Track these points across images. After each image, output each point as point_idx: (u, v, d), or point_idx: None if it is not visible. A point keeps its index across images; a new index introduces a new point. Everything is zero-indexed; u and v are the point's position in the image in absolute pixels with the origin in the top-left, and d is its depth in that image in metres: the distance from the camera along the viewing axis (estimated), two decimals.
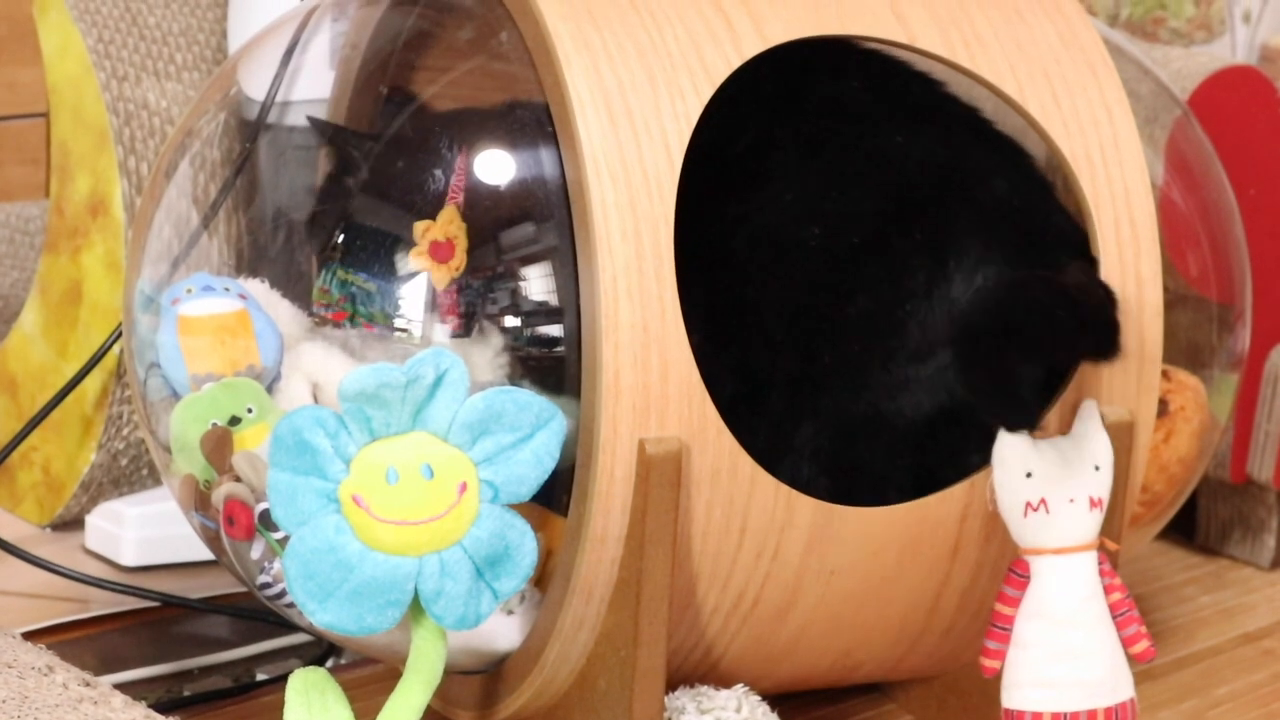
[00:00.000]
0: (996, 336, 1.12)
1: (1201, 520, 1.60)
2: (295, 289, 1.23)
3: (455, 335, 1.15)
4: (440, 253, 1.15)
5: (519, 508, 1.09)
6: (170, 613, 1.40)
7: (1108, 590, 1.15)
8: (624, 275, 1.08)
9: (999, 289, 1.15)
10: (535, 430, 1.08)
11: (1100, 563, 1.15)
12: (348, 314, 1.18)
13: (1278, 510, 1.56)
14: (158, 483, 1.53)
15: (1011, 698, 1.15)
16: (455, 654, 1.13)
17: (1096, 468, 1.15)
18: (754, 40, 1.15)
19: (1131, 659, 1.16)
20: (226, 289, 1.21)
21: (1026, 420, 1.13)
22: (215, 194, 1.30)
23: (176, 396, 1.19)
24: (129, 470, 1.52)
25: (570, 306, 1.12)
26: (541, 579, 1.15)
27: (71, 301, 1.50)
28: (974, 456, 1.16)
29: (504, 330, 1.15)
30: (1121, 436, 1.16)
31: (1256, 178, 1.49)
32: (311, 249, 1.23)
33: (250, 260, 1.27)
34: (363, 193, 1.20)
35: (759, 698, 1.16)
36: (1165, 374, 1.30)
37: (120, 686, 1.18)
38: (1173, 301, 1.26)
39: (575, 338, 1.11)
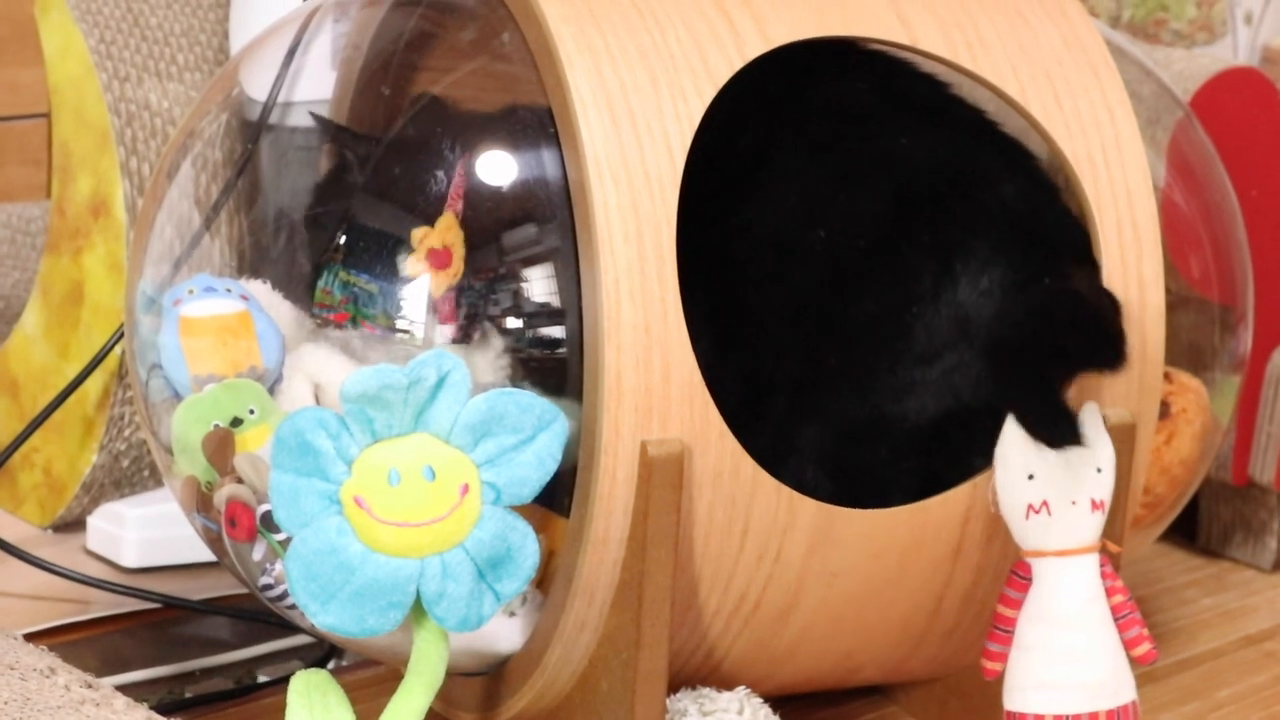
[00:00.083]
0: (1040, 357, 1.12)
1: (1203, 522, 1.60)
2: (297, 290, 1.23)
3: (454, 342, 1.15)
4: (437, 260, 1.15)
5: (521, 509, 1.09)
6: (172, 614, 1.40)
7: (1109, 592, 1.15)
8: (626, 277, 1.08)
9: (1029, 305, 1.15)
10: (537, 432, 1.08)
11: (1102, 565, 1.15)
12: (349, 315, 1.18)
13: (1279, 512, 1.56)
14: (159, 484, 1.53)
15: (1013, 700, 1.15)
16: (457, 656, 1.13)
17: (1098, 470, 1.15)
18: (756, 41, 1.14)
19: (1133, 661, 1.16)
20: (228, 290, 1.21)
21: (1075, 437, 1.12)
22: (217, 195, 1.30)
23: (178, 398, 1.19)
24: (130, 471, 1.52)
25: (572, 308, 1.12)
26: (543, 581, 1.15)
27: (73, 302, 1.50)
28: (976, 458, 1.16)
29: (506, 332, 1.15)
30: (1123, 438, 1.16)
31: (1258, 179, 1.49)
32: (313, 250, 1.23)
33: (252, 261, 1.27)
34: (364, 194, 1.20)
35: (761, 700, 1.16)
36: (1167, 376, 1.30)
37: (122, 688, 1.18)
38: (1174, 303, 1.26)
39: (577, 339, 1.11)
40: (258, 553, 1.16)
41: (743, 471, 1.11)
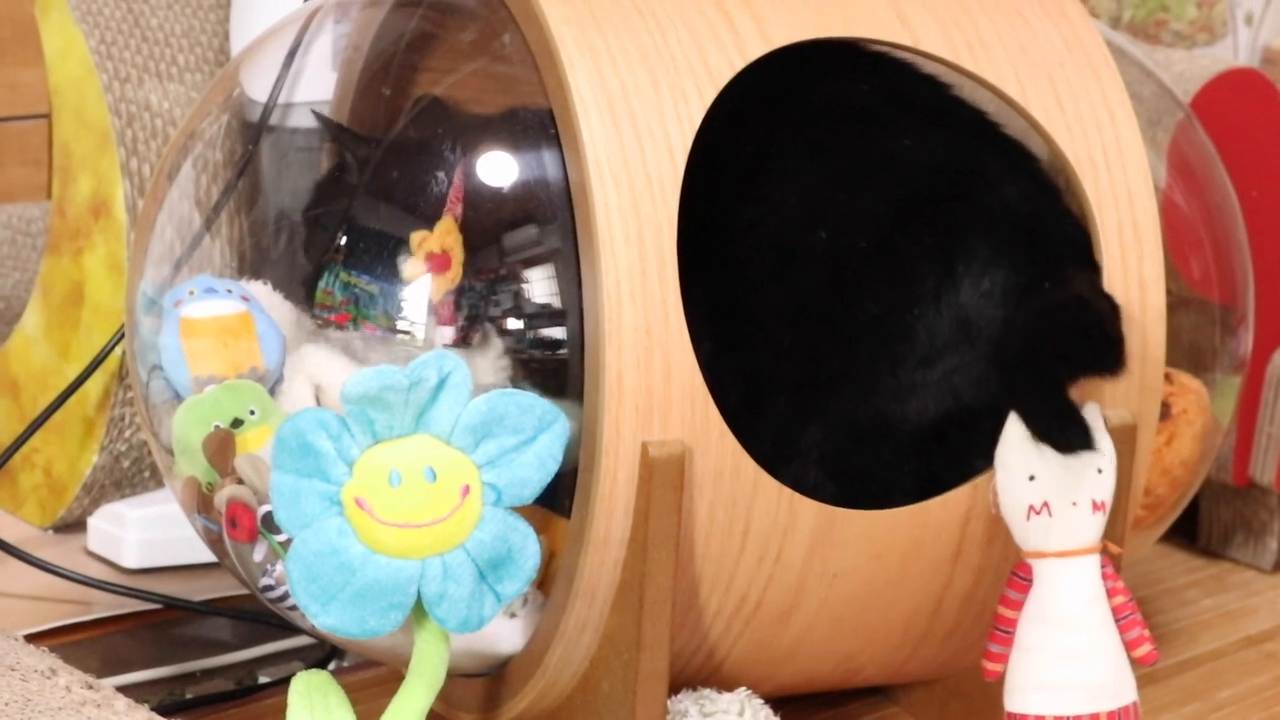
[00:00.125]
0: (1048, 365, 1.12)
1: (1204, 523, 1.60)
2: (298, 291, 1.23)
3: (455, 344, 1.14)
4: (435, 265, 1.15)
5: (522, 510, 1.09)
6: (173, 615, 1.40)
7: (1110, 593, 1.15)
8: (627, 278, 1.08)
9: (1034, 313, 1.15)
10: (538, 433, 1.08)
11: (1103, 566, 1.15)
12: (350, 316, 1.18)
13: (1279, 513, 1.56)
14: (160, 485, 1.53)
15: (1014, 701, 1.15)
16: (458, 657, 1.13)
17: (1099, 471, 1.15)
18: (757, 43, 1.14)
19: (1134, 662, 1.16)
20: (229, 291, 1.21)
21: (1089, 442, 1.12)
22: (218, 196, 1.30)
23: (179, 399, 1.19)
24: (131, 472, 1.52)
25: (573, 309, 1.12)
26: (544, 582, 1.15)
27: (73, 303, 1.50)
28: (977, 460, 1.16)
29: (507, 333, 1.15)
30: (1124, 439, 1.16)
31: (1259, 180, 1.49)
32: (313, 251, 1.23)
33: (252, 262, 1.27)
34: (365, 194, 1.20)
35: (762, 701, 1.16)
36: (1168, 377, 1.30)
37: (123, 689, 1.18)
38: (1175, 304, 1.26)
39: (578, 340, 1.11)
40: (258, 554, 1.16)
41: (744, 472, 1.11)
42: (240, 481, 1.15)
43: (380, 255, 1.17)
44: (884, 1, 1.19)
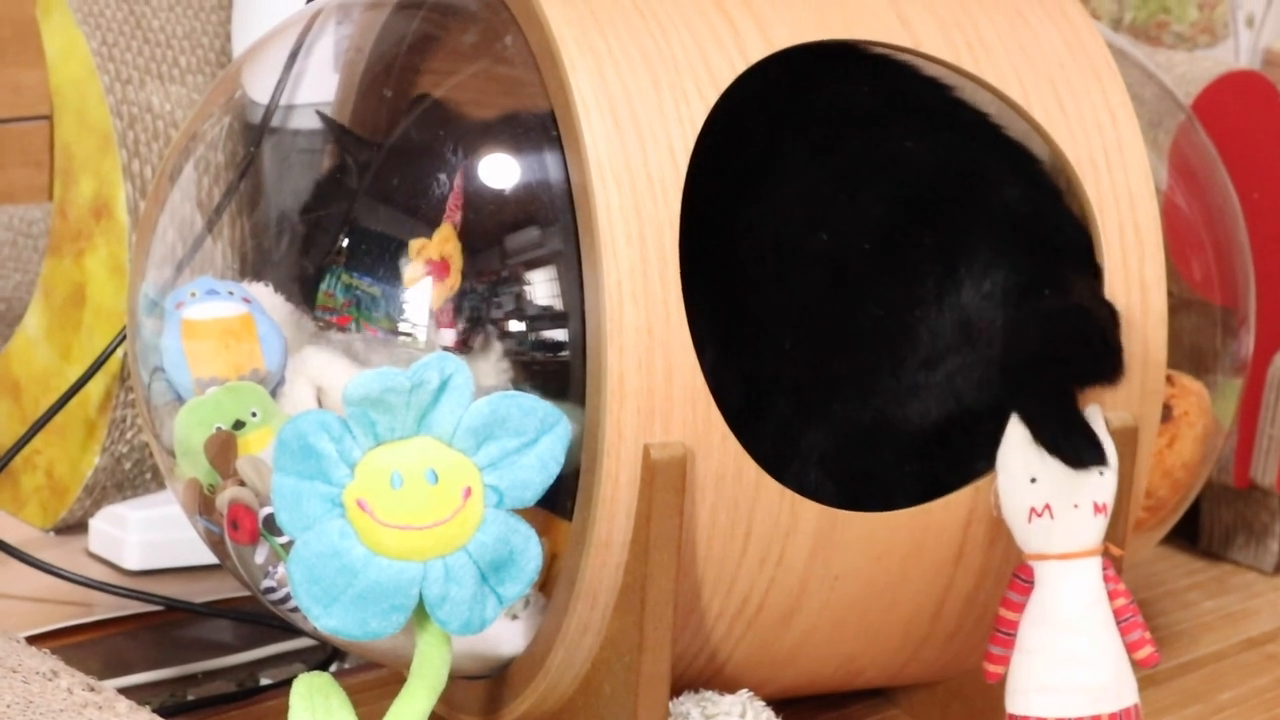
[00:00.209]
0: (1057, 379, 1.12)
1: (1205, 525, 1.60)
2: (299, 293, 1.23)
3: (455, 349, 1.14)
4: (435, 272, 1.15)
5: (524, 512, 1.09)
6: (174, 617, 1.40)
7: (1112, 595, 1.15)
8: (629, 279, 1.08)
9: (1040, 324, 1.15)
10: (540, 435, 1.08)
11: (1104, 568, 1.15)
12: (352, 318, 1.18)
13: None
14: (161, 486, 1.53)
15: (1015, 703, 1.15)
16: (460, 659, 1.13)
17: (1101, 473, 1.15)
18: (759, 45, 1.15)
19: (1135, 664, 1.16)
20: (230, 293, 1.21)
21: (1102, 457, 1.13)
22: (219, 197, 1.30)
23: (180, 400, 1.19)
24: (132, 474, 1.52)
25: (575, 311, 1.12)
26: (546, 584, 1.15)
27: (75, 305, 1.50)
28: (978, 462, 1.16)
29: (508, 335, 1.15)
30: (1125, 442, 1.16)
31: (1260, 182, 1.49)
32: (315, 253, 1.23)
33: (254, 264, 1.27)
34: (367, 196, 1.20)
35: (763, 703, 1.16)
36: (1169, 379, 1.30)
37: (124, 691, 1.18)
38: (1176, 306, 1.26)
39: (580, 342, 1.11)
40: (260, 555, 1.16)
41: (745, 474, 1.11)
42: (242, 483, 1.15)
43: (382, 257, 1.17)
44: (885, 3, 1.19)
